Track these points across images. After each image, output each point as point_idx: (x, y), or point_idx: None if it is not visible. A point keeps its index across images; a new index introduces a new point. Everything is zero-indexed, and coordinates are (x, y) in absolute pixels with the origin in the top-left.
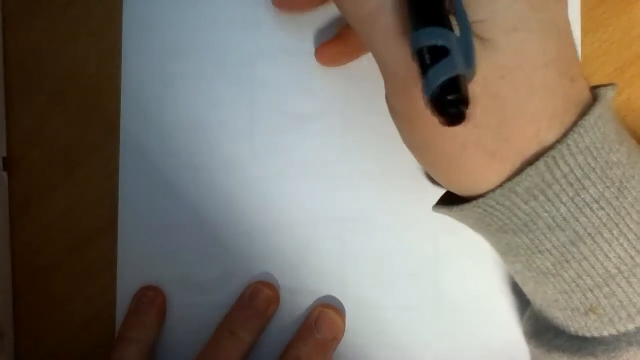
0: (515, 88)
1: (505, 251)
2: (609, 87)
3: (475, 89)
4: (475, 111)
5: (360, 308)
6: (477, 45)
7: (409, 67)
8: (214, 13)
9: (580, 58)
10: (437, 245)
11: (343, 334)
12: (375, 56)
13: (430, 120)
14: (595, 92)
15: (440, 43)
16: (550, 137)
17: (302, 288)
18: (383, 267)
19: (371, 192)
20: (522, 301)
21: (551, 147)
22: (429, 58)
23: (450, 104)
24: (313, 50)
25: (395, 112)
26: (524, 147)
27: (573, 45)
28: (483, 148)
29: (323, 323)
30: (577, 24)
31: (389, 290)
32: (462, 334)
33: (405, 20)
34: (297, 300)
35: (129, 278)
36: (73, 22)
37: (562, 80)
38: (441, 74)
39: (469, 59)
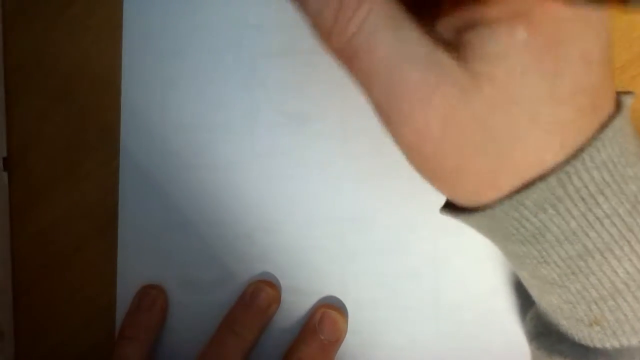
0: (509, 122)
1: (512, 258)
2: (628, 96)
3: (464, 122)
4: (467, 144)
5: (360, 308)
6: (468, 78)
7: (390, 105)
8: (214, 13)
9: None
10: (437, 246)
11: (345, 334)
12: (361, 91)
13: (418, 152)
14: (617, 100)
15: None
16: (555, 163)
17: (303, 288)
18: (383, 267)
19: (371, 192)
20: (523, 301)
21: (557, 168)
22: None
23: None
24: (313, 50)
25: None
26: (525, 173)
27: (607, 74)
28: (477, 174)
29: (326, 324)
30: None
31: (389, 290)
32: (462, 334)
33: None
34: (298, 300)
35: (129, 278)
36: (73, 22)
37: (579, 113)
38: None
39: None
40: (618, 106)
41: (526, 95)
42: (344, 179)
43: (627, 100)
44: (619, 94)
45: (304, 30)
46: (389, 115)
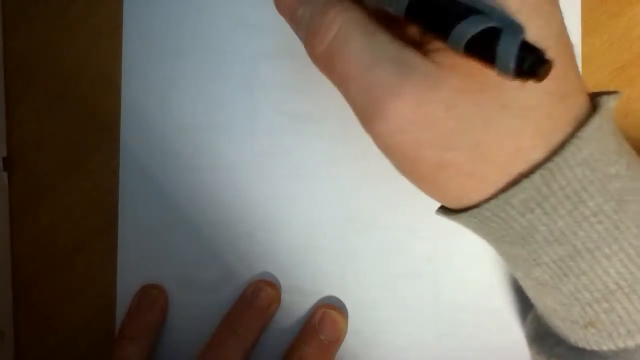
0: (480, 109)
1: (506, 259)
2: (611, 96)
3: (436, 111)
4: (442, 134)
5: (359, 308)
6: (434, 69)
7: (365, 102)
8: (214, 13)
9: (580, 59)
10: (437, 245)
11: (345, 334)
12: (341, 94)
13: (398, 148)
14: (595, 101)
15: (490, 24)
16: (536, 156)
17: (303, 288)
18: (383, 267)
19: (371, 192)
20: (523, 301)
21: (539, 164)
22: (487, 40)
23: (536, 60)
24: None
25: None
26: (505, 167)
27: (569, 58)
28: (459, 169)
29: (326, 324)
30: (577, 24)
31: (389, 290)
32: (462, 334)
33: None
34: (298, 300)
35: (129, 278)
36: (73, 22)
37: (548, 98)
38: (512, 41)
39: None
40: (594, 105)
41: (490, 80)
42: (345, 179)
43: (610, 101)
44: (601, 93)
45: None
46: (365, 114)
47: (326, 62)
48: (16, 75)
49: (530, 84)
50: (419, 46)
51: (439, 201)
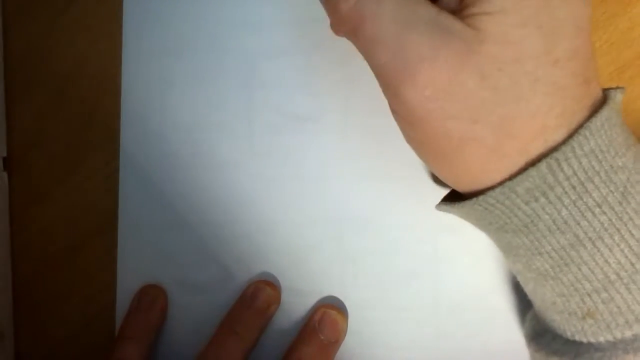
0: (514, 81)
1: (506, 250)
2: (618, 90)
3: (470, 81)
4: (473, 104)
5: (359, 308)
6: (473, 36)
7: (396, 67)
8: (214, 13)
9: None
10: (437, 245)
11: (345, 334)
12: (365, 59)
13: (425, 117)
14: (605, 94)
15: None
16: (556, 137)
17: (302, 288)
18: (383, 267)
19: (371, 192)
20: (523, 301)
21: (556, 148)
22: None
23: None
24: (313, 49)
25: (393, 111)
26: (528, 145)
27: (590, 44)
28: (482, 144)
29: (326, 324)
30: None
31: (388, 290)
32: (462, 334)
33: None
34: (297, 300)
35: (129, 278)
36: (73, 22)
37: (574, 79)
38: None
39: None
40: (604, 97)
41: (527, 52)
42: (344, 179)
43: (618, 95)
44: (608, 89)
45: (303, 29)
46: (394, 80)
47: (353, 22)
48: (16, 75)
49: (561, 60)
50: (456, 13)
51: (452, 183)
